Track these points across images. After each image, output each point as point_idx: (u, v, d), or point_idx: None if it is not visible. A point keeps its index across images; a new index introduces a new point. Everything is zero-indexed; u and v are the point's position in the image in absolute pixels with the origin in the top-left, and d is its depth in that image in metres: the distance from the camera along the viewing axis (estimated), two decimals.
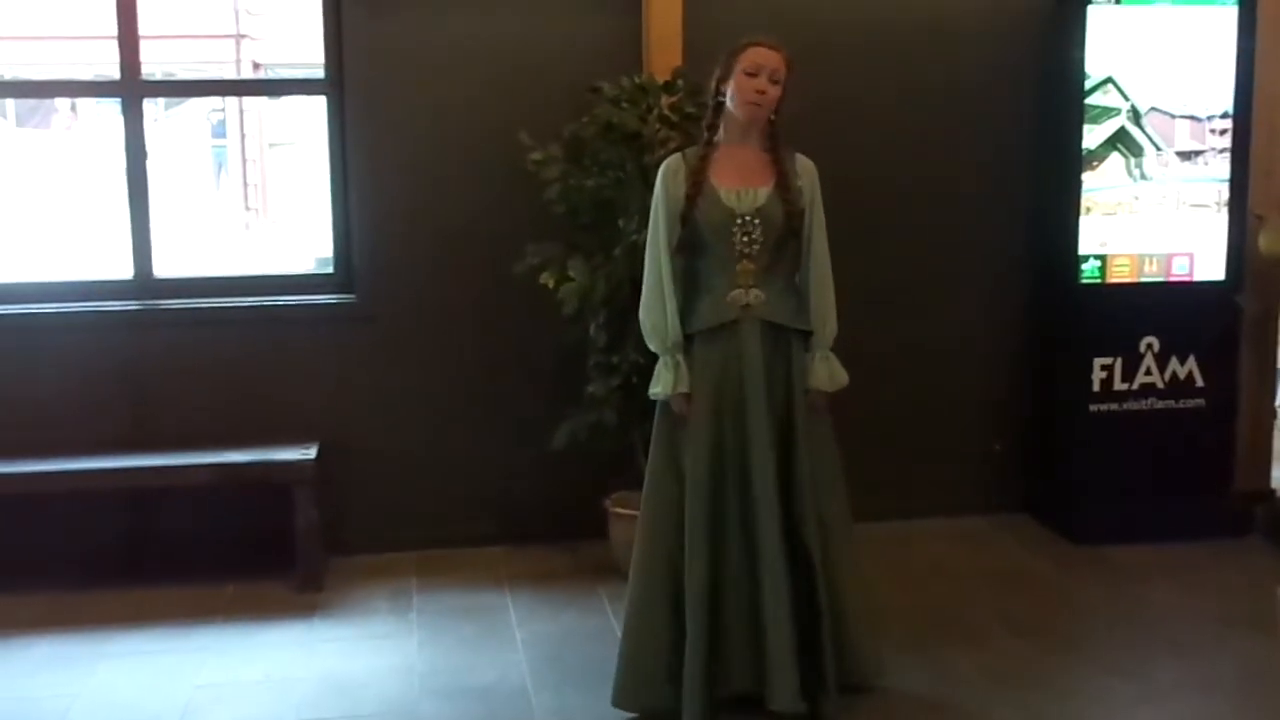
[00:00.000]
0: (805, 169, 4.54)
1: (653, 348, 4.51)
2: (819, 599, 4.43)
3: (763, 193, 4.42)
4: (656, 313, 4.46)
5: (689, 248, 4.47)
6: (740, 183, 4.42)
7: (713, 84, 4.49)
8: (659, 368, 4.48)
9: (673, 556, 4.45)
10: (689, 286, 4.52)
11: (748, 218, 4.38)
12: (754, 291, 4.41)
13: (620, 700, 4.56)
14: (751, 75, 4.36)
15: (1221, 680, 4.90)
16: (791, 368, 4.48)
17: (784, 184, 4.45)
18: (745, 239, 4.39)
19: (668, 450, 4.52)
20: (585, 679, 4.89)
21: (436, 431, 6.26)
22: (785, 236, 4.46)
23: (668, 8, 6.01)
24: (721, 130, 4.50)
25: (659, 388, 4.47)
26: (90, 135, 17.64)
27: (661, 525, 4.49)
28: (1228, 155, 6.25)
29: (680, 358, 4.44)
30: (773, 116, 4.46)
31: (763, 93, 4.37)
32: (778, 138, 4.51)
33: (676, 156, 4.55)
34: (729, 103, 4.43)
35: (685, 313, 4.46)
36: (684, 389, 4.42)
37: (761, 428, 4.38)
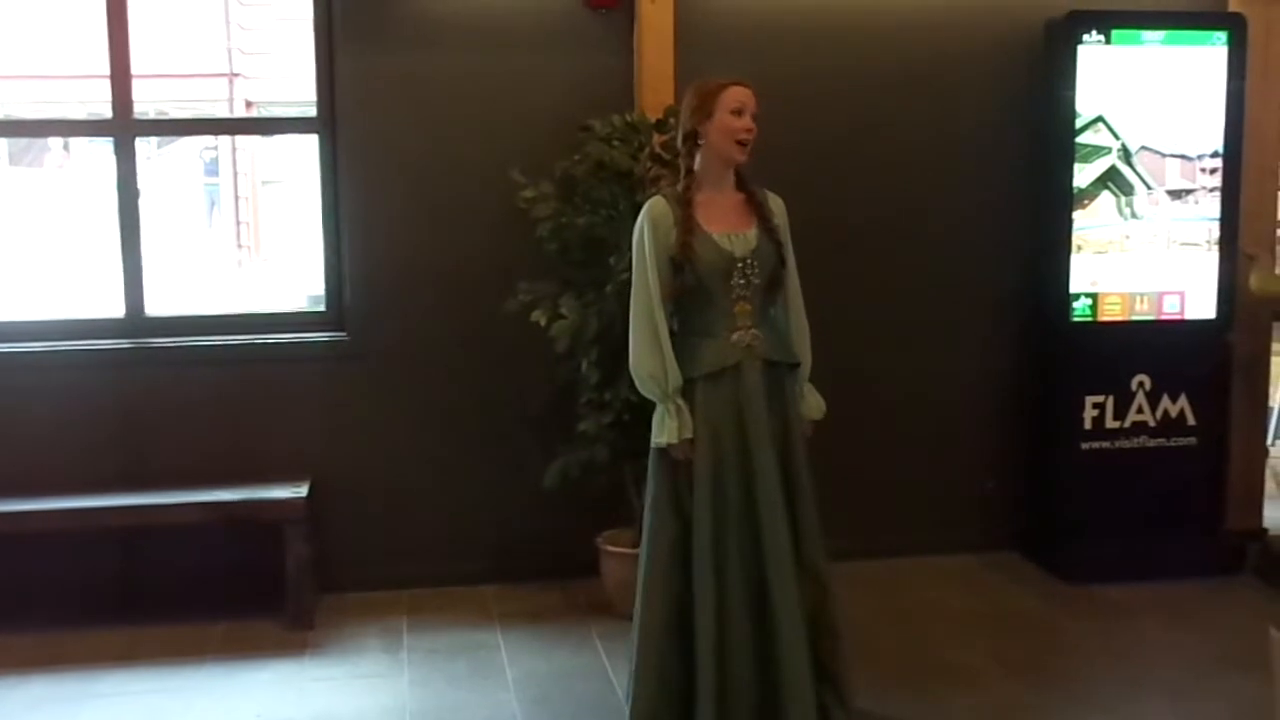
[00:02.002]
0: (778, 206, 4.58)
1: (649, 395, 4.45)
2: (835, 623, 4.49)
3: (751, 235, 4.43)
4: (653, 360, 4.40)
5: (694, 292, 4.43)
6: (727, 227, 4.43)
7: (687, 124, 4.46)
8: (660, 415, 4.41)
9: (679, 597, 4.41)
10: (680, 330, 4.49)
11: (748, 260, 4.39)
12: (752, 331, 4.41)
13: None
14: (738, 114, 4.37)
15: (1213, 719, 4.88)
16: (787, 400, 4.50)
17: (766, 225, 4.48)
18: (743, 282, 4.39)
19: (668, 493, 4.47)
20: (576, 718, 4.88)
21: (428, 469, 6.25)
22: (774, 275, 4.48)
23: (659, 47, 6.04)
24: (698, 172, 4.48)
25: (664, 437, 4.39)
26: (83, 174, 17.64)
27: (667, 566, 4.44)
28: (1218, 194, 6.27)
29: (681, 403, 4.39)
30: None
31: (751, 131, 4.39)
32: (747, 178, 4.53)
33: (660, 201, 4.47)
34: (710, 144, 4.42)
35: (681, 356, 4.42)
36: (689, 435, 4.38)
37: (768, 464, 4.38)
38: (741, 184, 4.52)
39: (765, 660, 4.41)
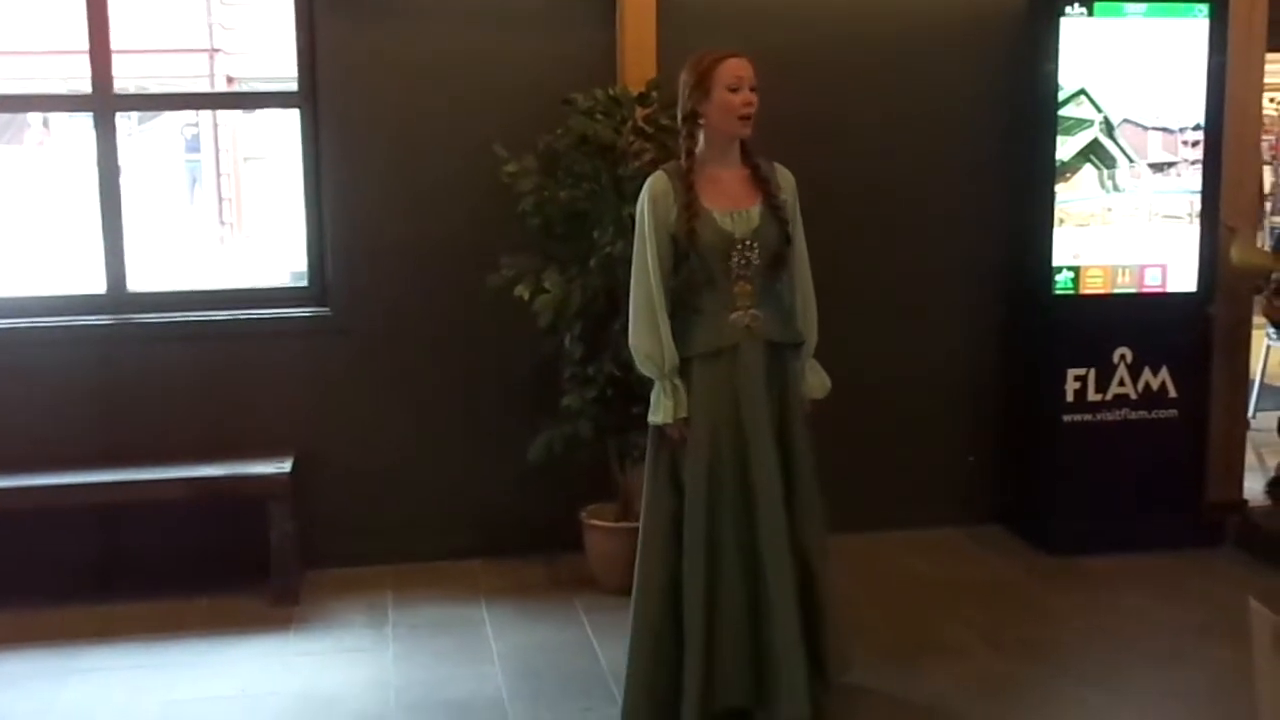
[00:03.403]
0: (786, 180, 4.52)
1: (647, 374, 4.44)
2: (822, 603, 4.49)
3: (755, 213, 4.38)
4: (650, 339, 4.38)
5: (693, 273, 4.41)
6: (730, 204, 4.38)
7: (686, 105, 4.41)
8: (656, 394, 4.41)
9: (674, 575, 4.42)
10: (679, 308, 4.45)
11: (747, 241, 4.35)
12: (753, 312, 4.38)
13: None
14: (735, 90, 4.32)
15: (1195, 689, 4.92)
16: (787, 381, 4.49)
17: (772, 202, 4.43)
18: (743, 262, 4.36)
19: (666, 472, 4.47)
20: (562, 691, 4.89)
21: (412, 444, 6.24)
22: (778, 254, 4.45)
23: (641, 20, 6.02)
24: (700, 149, 4.45)
25: (659, 415, 4.39)
26: (63, 150, 17.59)
27: (663, 544, 4.45)
28: (1200, 167, 6.27)
29: (678, 382, 4.38)
30: None
31: (751, 104, 4.34)
32: (752, 151, 4.49)
33: (661, 177, 4.43)
34: (711, 122, 4.39)
35: (679, 335, 4.40)
36: (684, 414, 4.37)
37: (765, 444, 4.37)
38: (747, 157, 4.49)
39: (758, 639, 4.43)
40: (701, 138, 4.43)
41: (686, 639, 4.36)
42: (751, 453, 4.37)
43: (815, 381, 4.59)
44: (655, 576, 4.45)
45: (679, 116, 4.48)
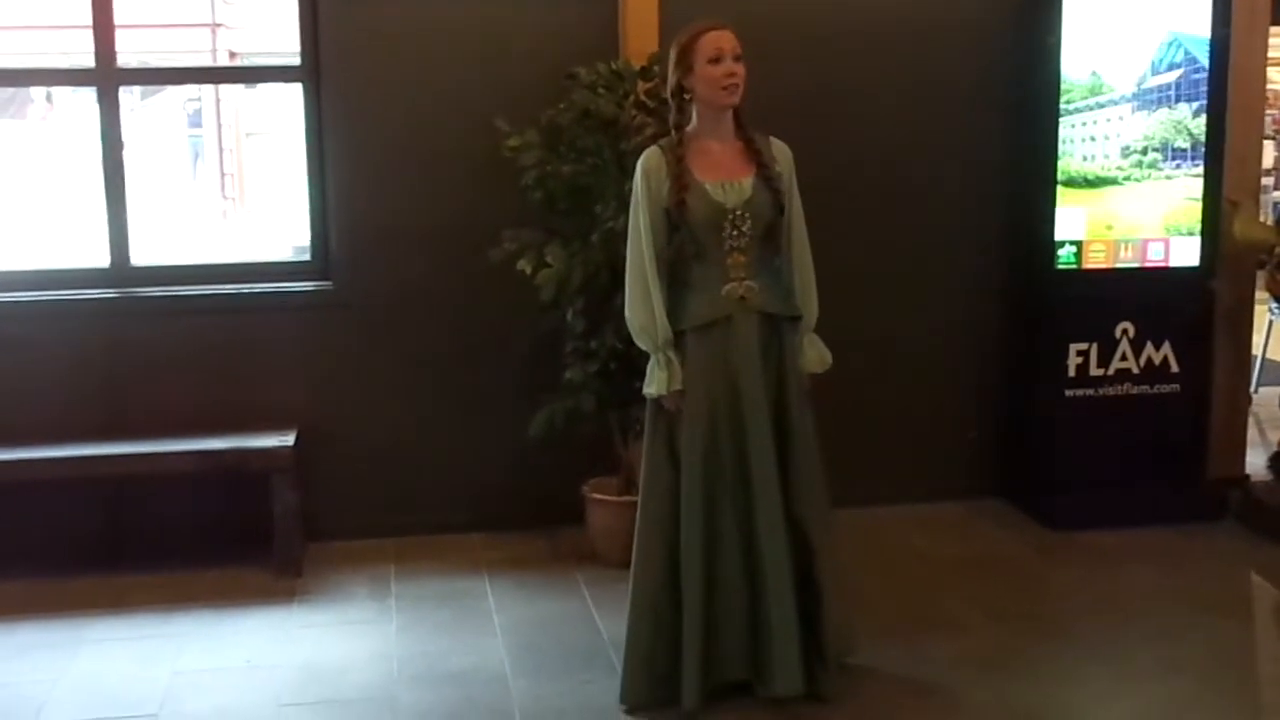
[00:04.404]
0: (781, 153, 4.53)
1: (643, 346, 4.47)
2: (818, 578, 4.48)
3: (747, 184, 4.40)
4: (644, 312, 4.41)
5: (682, 245, 4.43)
6: (723, 175, 4.40)
7: (673, 81, 4.44)
8: (651, 366, 4.44)
9: (673, 548, 4.44)
10: (674, 281, 4.47)
11: (738, 212, 4.36)
12: (747, 284, 4.40)
13: (629, 698, 4.54)
14: (716, 61, 4.33)
15: (1196, 663, 4.92)
16: (784, 354, 4.49)
17: (765, 173, 4.43)
18: (735, 233, 4.37)
19: (664, 444, 4.49)
20: (563, 664, 4.90)
21: (414, 418, 6.25)
22: (772, 225, 4.46)
23: None
24: (693, 123, 4.46)
25: (653, 387, 4.42)
26: (66, 125, 17.55)
27: (662, 517, 4.47)
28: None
29: (672, 355, 4.40)
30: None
31: (734, 75, 4.34)
32: (746, 124, 4.49)
33: (655, 152, 4.46)
34: (698, 95, 4.40)
35: (674, 308, 4.42)
36: (678, 387, 4.39)
37: (760, 417, 4.39)
38: (741, 130, 4.49)
39: (755, 612, 4.44)
40: (693, 112, 4.45)
41: (685, 612, 4.37)
42: (747, 425, 4.38)
43: (814, 355, 4.57)
44: (654, 550, 4.48)
45: (668, 92, 4.50)
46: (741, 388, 4.39)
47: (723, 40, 4.35)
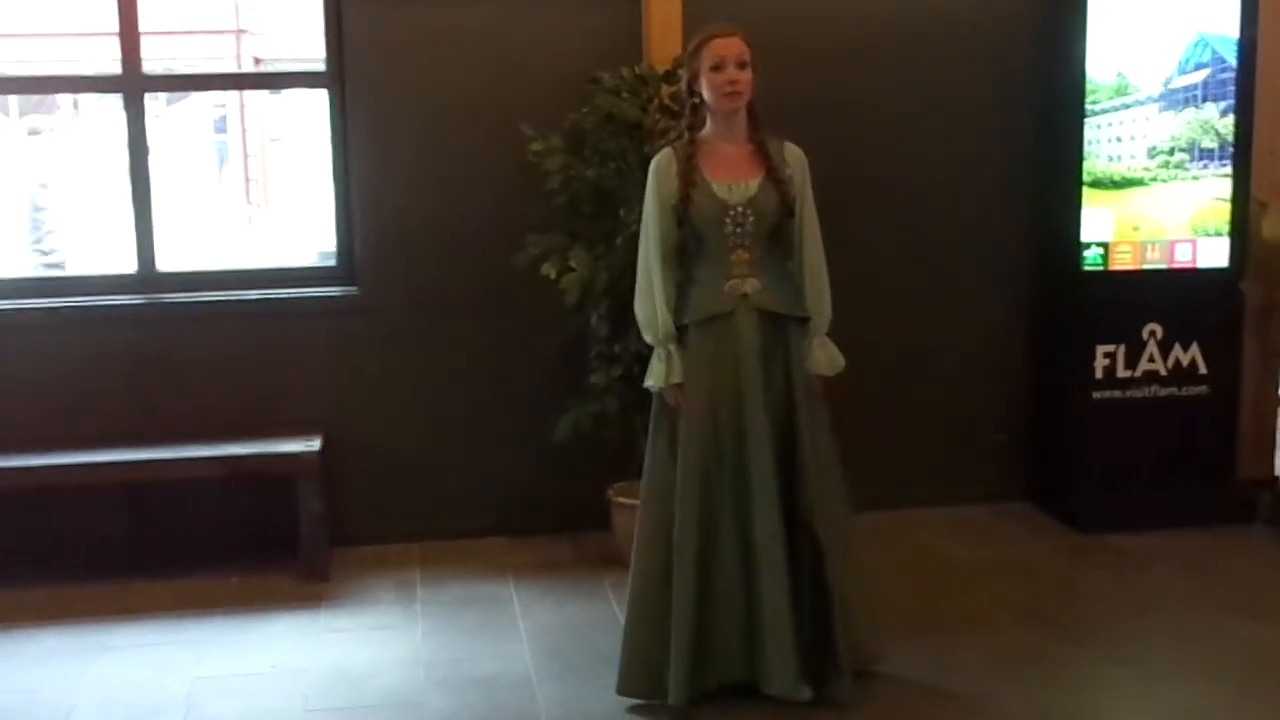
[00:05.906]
0: (794, 157, 4.55)
1: (647, 339, 4.56)
2: (829, 582, 4.44)
3: (754, 184, 4.44)
4: (648, 305, 4.51)
5: (685, 241, 4.49)
6: (732, 176, 4.45)
7: (684, 84, 4.54)
8: (652, 359, 4.51)
9: (670, 542, 4.45)
10: (682, 278, 4.53)
11: (740, 209, 4.41)
12: (750, 281, 4.43)
13: (624, 687, 4.57)
14: (718, 69, 4.38)
15: (1224, 667, 4.89)
16: (790, 355, 4.49)
17: (774, 175, 4.46)
18: (737, 229, 4.41)
19: (666, 438, 4.52)
20: (589, 669, 4.89)
21: (440, 423, 6.26)
22: (779, 225, 4.48)
23: None
24: (707, 126, 4.52)
25: (652, 379, 4.50)
26: (93, 131, 17.62)
27: (661, 511, 4.50)
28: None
29: (673, 349, 4.46)
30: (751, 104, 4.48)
31: (735, 82, 4.38)
32: (760, 128, 4.52)
33: (667, 152, 4.55)
34: (706, 99, 4.45)
35: (678, 303, 4.49)
36: (676, 380, 4.44)
37: (759, 417, 4.39)
38: (754, 133, 4.51)
39: (750, 615, 4.45)
40: (707, 115, 4.51)
41: (674, 607, 4.39)
42: (747, 422, 4.41)
43: (823, 358, 4.55)
44: (652, 547, 4.51)
45: (682, 94, 4.59)
46: (743, 385, 4.41)
47: (726, 48, 4.39)
